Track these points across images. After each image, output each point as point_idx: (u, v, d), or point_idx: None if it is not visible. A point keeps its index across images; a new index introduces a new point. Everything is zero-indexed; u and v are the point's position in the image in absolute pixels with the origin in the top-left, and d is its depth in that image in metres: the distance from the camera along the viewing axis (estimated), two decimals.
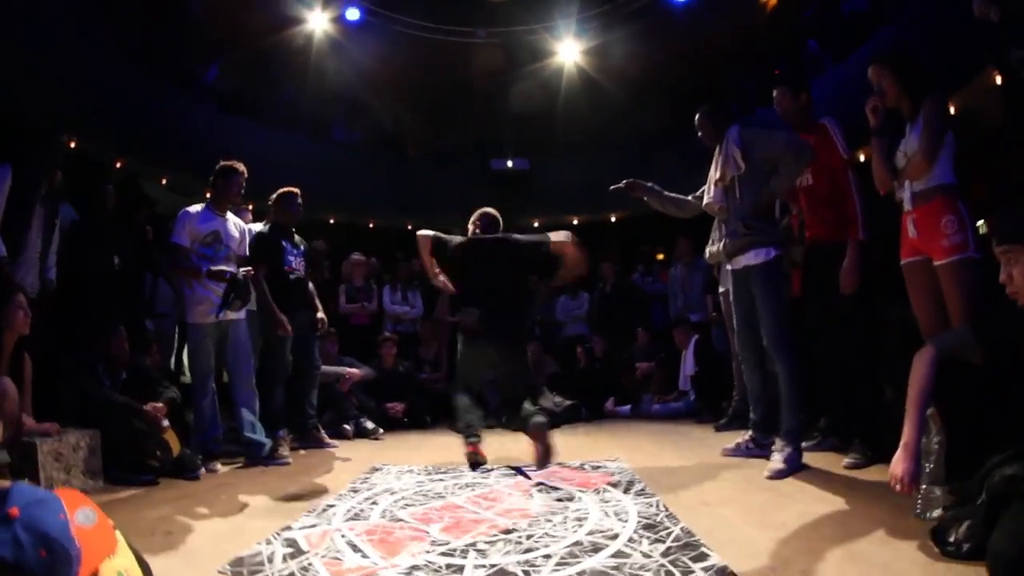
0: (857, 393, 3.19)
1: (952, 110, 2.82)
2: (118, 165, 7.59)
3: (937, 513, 2.00)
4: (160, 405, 3.19)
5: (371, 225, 11.03)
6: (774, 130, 3.26)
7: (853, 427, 3.20)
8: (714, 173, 3.43)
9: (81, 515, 1.29)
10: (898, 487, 1.83)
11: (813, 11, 9.35)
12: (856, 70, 8.02)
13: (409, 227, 11.37)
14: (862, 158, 3.80)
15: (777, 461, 3.03)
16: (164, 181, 8.61)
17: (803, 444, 3.20)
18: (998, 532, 1.52)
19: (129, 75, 7.83)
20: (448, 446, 4.51)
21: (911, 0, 7.64)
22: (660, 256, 9.91)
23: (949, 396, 1.96)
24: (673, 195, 3.74)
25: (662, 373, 6.03)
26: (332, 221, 10.10)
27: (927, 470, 1.98)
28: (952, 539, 1.71)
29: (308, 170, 9.39)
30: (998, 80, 5.65)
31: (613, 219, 11.29)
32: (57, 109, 6.56)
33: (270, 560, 2.07)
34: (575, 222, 11.58)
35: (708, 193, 3.49)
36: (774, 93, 3.55)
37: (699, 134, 3.50)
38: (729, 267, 3.45)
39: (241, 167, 3.77)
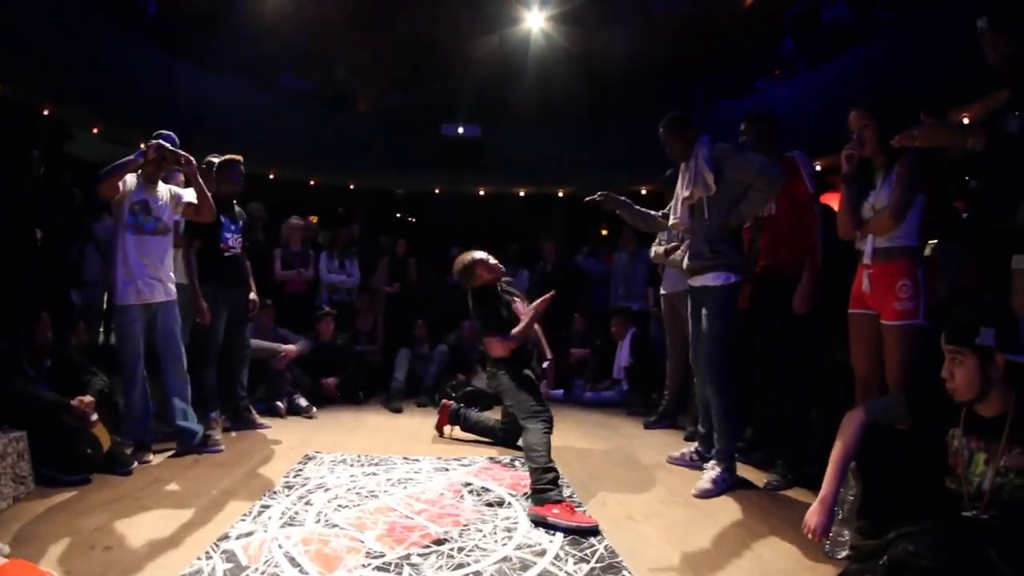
0: (786, 418, 3.31)
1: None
2: (45, 112, 6.97)
3: (843, 554, 2.20)
4: (88, 399, 3.06)
5: (312, 183, 10.70)
6: (746, 152, 3.23)
7: (778, 447, 3.34)
8: (682, 190, 3.36)
9: None
10: (810, 536, 2.00)
11: (795, 12, 9.39)
12: (828, 80, 8.29)
13: (352, 187, 11.13)
14: (818, 166, 3.88)
15: (706, 481, 3.09)
16: (96, 130, 8.03)
17: None
18: None
19: (58, 8, 7.13)
20: (380, 429, 4.57)
21: (895, 24, 7.84)
22: (604, 231, 10.02)
23: (871, 456, 2.12)
24: (643, 210, 3.75)
25: (596, 360, 6.19)
26: (272, 176, 9.72)
27: (839, 516, 2.15)
28: None
29: (251, 120, 9.00)
30: (965, 120, 5.92)
31: (560, 194, 11.33)
32: None
33: None
34: (522, 193, 11.58)
35: (675, 211, 3.44)
36: (742, 126, 3.53)
37: (666, 150, 3.39)
38: (689, 282, 3.43)
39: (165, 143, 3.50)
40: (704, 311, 3.26)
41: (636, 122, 9.63)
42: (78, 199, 4.86)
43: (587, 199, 3.70)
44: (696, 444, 3.65)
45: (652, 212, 3.75)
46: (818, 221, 3.31)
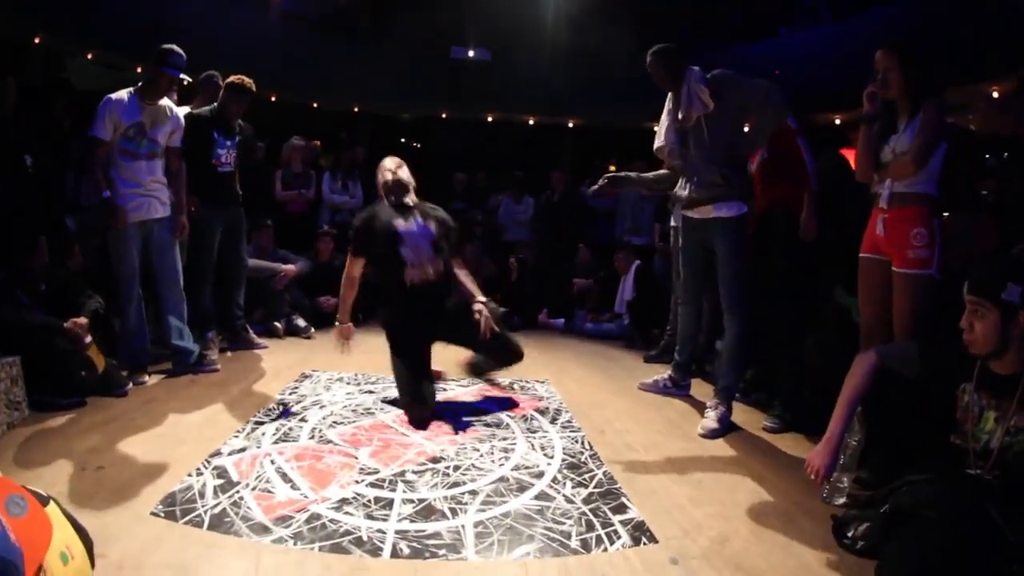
0: (784, 359, 3.23)
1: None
2: (36, 41, 6.61)
3: (841, 501, 2.15)
4: (82, 321, 2.97)
5: (315, 105, 10.36)
6: (748, 76, 3.02)
7: (777, 388, 3.26)
8: (672, 114, 3.18)
9: (12, 506, 1.23)
10: (812, 476, 1.93)
11: None
12: (853, 33, 7.89)
13: (356, 110, 10.81)
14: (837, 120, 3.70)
15: (711, 420, 3.00)
16: (90, 56, 7.66)
17: None
18: (891, 550, 1.65)
19: None
20: (378, 350, 4.51)
21: None
22: (612, 168, 9.81)
23: (877, 402, 2.04)
24: (648, 175, 3.55)
25: (598, 291, 6.10)
26: (273, 99, 9.38)
27: (841, 461, 2.09)
28: (850, 534, 1.85)
29: (250, 44, 8.62)
30: (995, 94, 5.63)
31: (571, 124, 10.98)
32: None
33: (201, 495, 2.05)
34: (531, 122, 11.24)
35: (660, 136, 3.27)
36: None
37: (654, 79, 3.20)
38: (687, 214, 3.26)
39: (174, 60, 3.31)
40: (722, 249, 3.08)
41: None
42: (66, 124, 4.64)
43: (591, 190, 3.57)
44: (671, 372, 3.63)
45: (658, 172, 3.53)
46: (805, 152, 3.45)
